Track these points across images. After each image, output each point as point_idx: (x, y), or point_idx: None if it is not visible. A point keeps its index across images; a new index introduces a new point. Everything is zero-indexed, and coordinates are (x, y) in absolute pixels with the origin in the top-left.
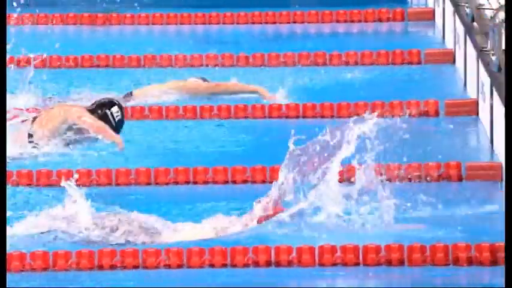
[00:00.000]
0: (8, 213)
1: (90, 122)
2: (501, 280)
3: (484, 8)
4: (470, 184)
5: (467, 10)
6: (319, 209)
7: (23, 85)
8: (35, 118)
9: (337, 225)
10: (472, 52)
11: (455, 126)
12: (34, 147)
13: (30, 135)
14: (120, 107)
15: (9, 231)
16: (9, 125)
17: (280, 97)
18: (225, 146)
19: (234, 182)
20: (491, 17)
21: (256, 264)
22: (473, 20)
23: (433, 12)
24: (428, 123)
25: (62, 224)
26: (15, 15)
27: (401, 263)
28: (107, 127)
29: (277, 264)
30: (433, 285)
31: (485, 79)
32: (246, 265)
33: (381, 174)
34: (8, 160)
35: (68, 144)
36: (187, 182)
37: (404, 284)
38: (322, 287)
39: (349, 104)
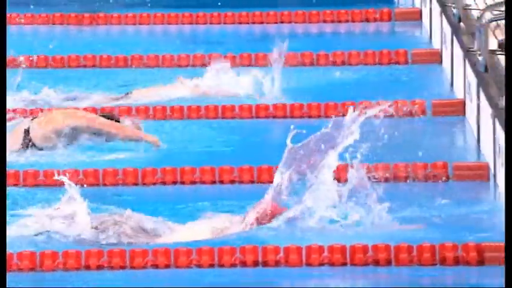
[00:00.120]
0: None
1: (118, 126)
2: (488, 280)
3: (471, 9)
4: (457, 184)
5: (454, 10)
6: (310, 210)
7: (11, 86)
8: (33, 119)
9: (325, 226)
10: (458, 52)
11: (442, 126)
12: (28, 146)
13: (26, 132)
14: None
15: None
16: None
17: (268, 97)
18: (213, 146)
19: (222, 182)
20: (477, 18)
21: (244, 264)
22: (460, 21)
23: (420, 12)
24: (415, 123)
25: (57, 225)
26: None
27: (388, 263)
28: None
29: (265, 264)
30: (420, 285)
31: (472, 79)
32: (233, 265)
33: (369, 175)
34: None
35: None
36: (175, 182)
37: (391, 284)
38: (309, 287)
39: (336, 104)
